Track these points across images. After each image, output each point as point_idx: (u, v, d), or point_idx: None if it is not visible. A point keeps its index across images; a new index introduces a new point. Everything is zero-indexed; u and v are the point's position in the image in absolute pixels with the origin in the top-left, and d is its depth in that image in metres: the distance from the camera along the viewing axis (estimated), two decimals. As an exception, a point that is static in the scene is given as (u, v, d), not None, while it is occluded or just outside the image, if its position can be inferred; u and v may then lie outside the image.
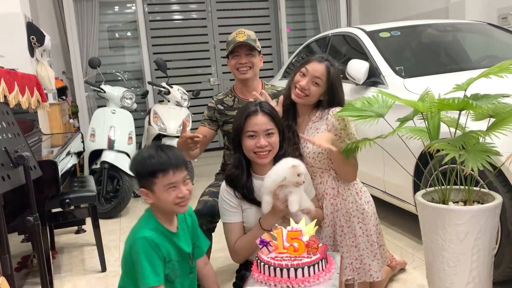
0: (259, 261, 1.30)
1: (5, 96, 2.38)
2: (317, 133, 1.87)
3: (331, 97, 1.88)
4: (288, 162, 1.63)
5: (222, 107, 2.29)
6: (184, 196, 1.49)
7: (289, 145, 1.85)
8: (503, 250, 1.97)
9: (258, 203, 1.72)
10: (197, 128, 2.37)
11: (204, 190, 2.23)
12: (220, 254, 2.73)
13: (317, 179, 1.91)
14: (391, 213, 3.04)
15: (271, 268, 1.25)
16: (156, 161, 1.45)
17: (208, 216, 2.07)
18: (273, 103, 1.99)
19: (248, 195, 1.74)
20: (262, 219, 1.68)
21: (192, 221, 1.67)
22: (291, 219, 1.38)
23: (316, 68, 1.85)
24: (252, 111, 1.74)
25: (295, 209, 1.60)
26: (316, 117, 1.91)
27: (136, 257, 1.44)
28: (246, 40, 2.18)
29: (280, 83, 4.34)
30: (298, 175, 1.61)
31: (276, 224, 1.48)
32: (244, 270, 1.82)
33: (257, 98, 2.06)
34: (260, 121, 1.72)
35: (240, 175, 1.75)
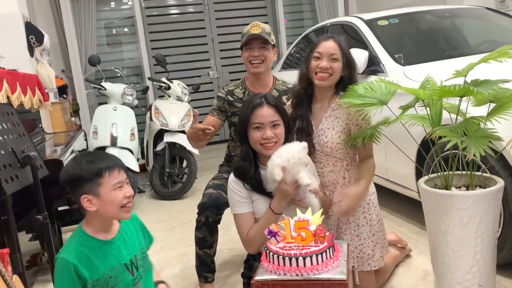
0: (267, 251, 1.32)
1: (8, 97, 2.40)
2: (337, 122, 1.90)
3: (350, 71, 1.91)
4: (298, 145, 1.69)
5: (232, 99, 2.30)
6: (130, 196, 1.42)
7: (302, 136, 1.87)
8: (506, 233, 2.00)
9: (267, 194, 1.75)
10: (200, 122, 2.39)
11: (208, 183, 2.25)
12: (225, 246, 2.76)
13: (330, 167, 1.94)
14: (394, 200, 3.07)
15: (280, 257, 1.27)
16: (100, 162, 1.39)
17: (213, 208, 2.10)
18: None
19: (257, 186, 1.76)
20: (272, 204, 1.71)
21: (139, 223, 1.60)
22: (297, 210, 1.40)
23: (328, 45, 1.88)
24: (257, 103, 1.76)
25: (308, 182, 1.64)
26: (336, 105, 1.91)
27: (55, 275, 1.37)
28: (261, 33, 2.18)
29: (279, 75, 4.34)
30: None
31: (283, 215, 1.50)
32: (252, 260, 1.85)
33: None
34: (266, 113, 1.74)
35: (248, 167, 1.77)
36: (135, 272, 1.48)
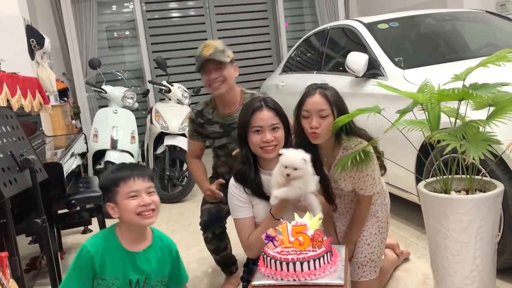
0: (265, 255, 1.32)
1: (7, 100, 2.40)
2: (346, 174, 1.83)
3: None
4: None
5: (202, 121, 2.23)
6: (146, 204, 1.48)
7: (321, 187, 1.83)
8: (506, 238, 1.99)
9: (267, 198, 1.73)
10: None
11: (203, 197, 2.26)
12: (226, 250, 2.75)
13: (345, 199, 1.97)
14: (394, 203, 3.03)
15: (278, 262, 1.27)
16: (120, 172, 1.51)
17: (216, 223, 2.13)
18: None
19: (258, 191, 1.75)
20: (272, 209, 1.69)
21: (173, 257, 1.63)
22: (295, 214, 1.40)
23: (314, 102, 1.76)
24: (257, 106, 1.76)
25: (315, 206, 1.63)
26: (340, 156, 1.84)
27: (74, 258, 1.49)
28: (213, 53, 2.06)
29: (280, 78, 4.35)
30: (286, 167, 1.60)
31: (281, 219, 1.50)
32: (252, 264, 1.84)
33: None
34: (266, 116, 1.74)
35: (248, 170, 1.76)
36: None
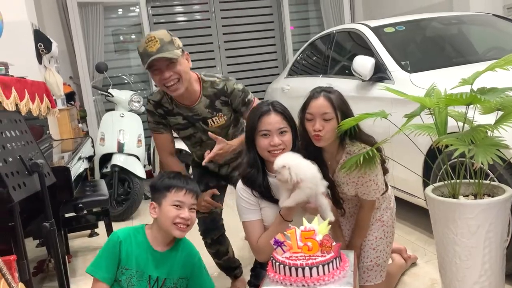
0: (274, 261, 1.32)
1: (16, 104, 2.42)
2: (348, 179, 1.83)
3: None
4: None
5: (162, 111, 2.08)
6: (185, 218, 1.59)
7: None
8: (515, 242, 1.98)
9: (276, 201, 1.73)
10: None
11: None
12: (232, 254, 2.75)
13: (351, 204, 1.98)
14: (402, 207, 3.04)
15: (286, 267, 1.27)
16: (176, 181, 1.63)
17: (215, 229, 2.18)
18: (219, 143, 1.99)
19: (266, 194, 1.75)
20: (282, 211, 1.68)
21: (194, 263, 1.70)
22: (304, 219, 1.39)
23: (318, 105, 1.76)
24: (265, 110, 1.76)
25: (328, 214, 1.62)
26: (343, 160, 1.82)
27: (104, 244, 1.63)
28: (160, 48, 1.83)
29: (286, 81, 4.35)
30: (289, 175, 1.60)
31: (290, 225, 1.50)
32: (259, 268, 1.84)
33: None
34: (273, 120, 1.74)
35: (256, 174, 1.76)
36: None
